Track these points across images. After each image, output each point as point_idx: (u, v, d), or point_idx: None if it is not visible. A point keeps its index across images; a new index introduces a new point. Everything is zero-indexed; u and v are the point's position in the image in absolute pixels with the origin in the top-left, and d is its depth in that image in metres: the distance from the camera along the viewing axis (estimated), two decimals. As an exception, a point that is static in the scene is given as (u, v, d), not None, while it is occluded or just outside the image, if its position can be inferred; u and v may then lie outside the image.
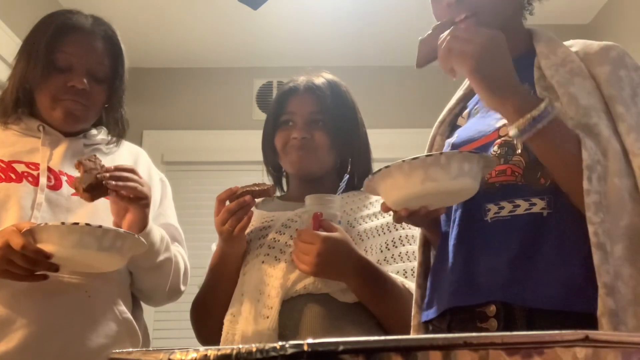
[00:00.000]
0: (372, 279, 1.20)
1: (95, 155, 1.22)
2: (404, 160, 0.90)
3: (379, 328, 1.22)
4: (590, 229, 0.84)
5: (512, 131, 0.88)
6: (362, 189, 1.43)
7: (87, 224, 1.07)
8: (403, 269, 1.28)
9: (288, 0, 2.84)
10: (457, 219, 1.03)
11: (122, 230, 1.13)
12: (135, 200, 1.20)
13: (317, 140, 1.34)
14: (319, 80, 1.39)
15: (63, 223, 1.08)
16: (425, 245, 1.16)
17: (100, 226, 1.08)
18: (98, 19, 1.38)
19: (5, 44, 2.29)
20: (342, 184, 1.26)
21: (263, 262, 1.25)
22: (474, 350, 0.43)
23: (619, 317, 0.80)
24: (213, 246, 1.43)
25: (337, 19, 3.02)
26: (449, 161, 0.89)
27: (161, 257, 1.31)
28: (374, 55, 3.32)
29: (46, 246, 1.08)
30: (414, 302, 1.12)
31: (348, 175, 1.28)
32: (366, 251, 1.26)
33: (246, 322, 1.18)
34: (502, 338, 0.43)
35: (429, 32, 1.01)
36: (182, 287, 1.41)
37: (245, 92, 3.41)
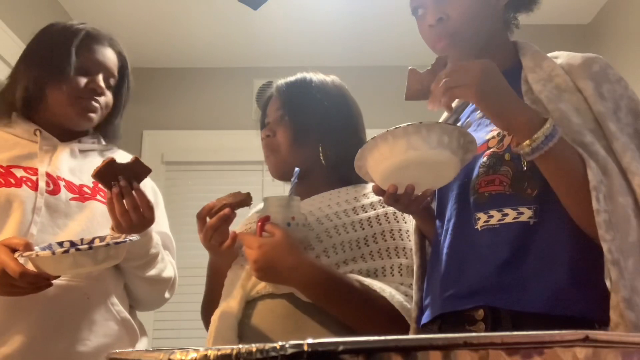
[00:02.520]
0: (318, 281, 1.16)
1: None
2: (387, 130, 0.95)
3: (343, 327, 1.18)
4: (604, 247, 0.87)
5: (525, 149, 0.91)
6: (363, 183, 1.41)
7: (77, 248, 1.06)
8: (382, 267, 1.24)
9: (288, 0, 2.84)
10: (450, 228, 1.07)
11: (112, 242, 1.11)
12: (123, 227, 1.20)
13: (279, 137, 1.35)
14: (286, 79, 1.44)
15: (53, 253, 1.06)
16: (422, 249, 1.18)
17: (90, 247, 1.07)
18: (113, 38, 1.44)
19: (5, 44, 2.30)
20: (294, 180, 1.24)
21: (237, 262, 1.28)
22: (474, 350, 0.43)
23: (638, 329, 0.84)
24: None
25: (337, 19, 3.02)
26: (429, 131, 0.94)
27: (153, 271, 1.34)
28: (374, 55, 3.32)
29: (43, 271, 1.08)
30: (414, 303, 1.13)
31: (298, 169, 1.24)
32: (335, 248, 1.22)
33: (217, 321, 1.21)
34: (502, 338, 0.43)
35: (428, 68, 1.06)
36: (167, 295, 1.44)
37: (245, 92, 3.41)
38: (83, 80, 1.33)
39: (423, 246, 1.19)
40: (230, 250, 1.25)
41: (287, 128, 1.35)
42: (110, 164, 1.17)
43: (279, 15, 2.95)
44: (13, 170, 1.26)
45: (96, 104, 1.34)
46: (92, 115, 1.34)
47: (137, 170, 1.20)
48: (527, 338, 0.44)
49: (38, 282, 1.09)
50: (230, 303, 1.20)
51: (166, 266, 1.39)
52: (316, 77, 1.43)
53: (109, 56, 1.39)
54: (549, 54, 1.08)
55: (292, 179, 1.23)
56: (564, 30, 3.12)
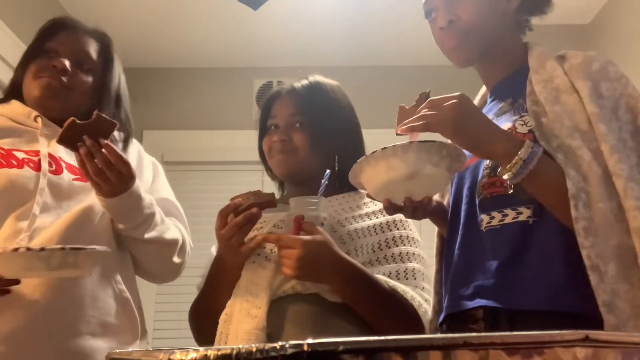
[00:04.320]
0: (355, 280, 1.19)
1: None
2: (366, 155, 1.00)
3: (368, 328, 1.21)
4: (584, 253, 0.89)
5: (506, 175, 0.93)
6: (355, 192, 1.43)
7: (28, 248, 1.04)
8: (395, 270, 1.27)
9: (288, 0, 2.84)
10: (460, 231, 1.09)
11: (68, 247, 1.07)
12: (98, 185, 1.18)
13: (296, 141, 1.34)
14: (301, 82, 1.41)
15: (16, 249, 1.04)
16: (442, 253, 1.21)
17: (42, 248, 1.04)
18: (97, 27, 1.44)
19: (5, 44, 2.29)
20: (324, 181, 1.25)
21: (254, 262, 1.25)
22: (474, 350, 0.43)
23: (620, 331, 0.86)
24: (213, 249, 1.42)
25: (337, 19, 3.02)
26: (405, 151, 0.97)
27: (153, 233, 1.30)
28: (374, 55, 3.32)
29: None
30: (431, 307, 1.18)
31: (329, 171, 1.25)
32: (356, 251, 1.25)
33: (237, 322, 1.19)
34: (502, 338, 0.43)
35: (413, 103, 1.08)
36: (177, 259, 1.38)
37: (245, 92, 3.41)
38: (45, 61, 1.33)
39: (443, 251, 1.20)
40: (250, 251, 1.24)
41: (305, 133, 1.34)
42: (72, 125, 1.14)
43: (279, 15, 2.94)
44: (14, 152, 1.26)
45: (54, 81, 1.31)
46: (52, 88, 1.31)
47: (102, 127, 1.16)
48: (527, 338, 0.44)
49: None
50: (255, 303, 1.18)
51: (168, 228, 1.36)
52: (327, 82, 1.43)
53: (78, 38, 1.38)
54: (558, 53, 1.09)
55: (323, 181, 1.24)
56: (564, 30, 3.12)
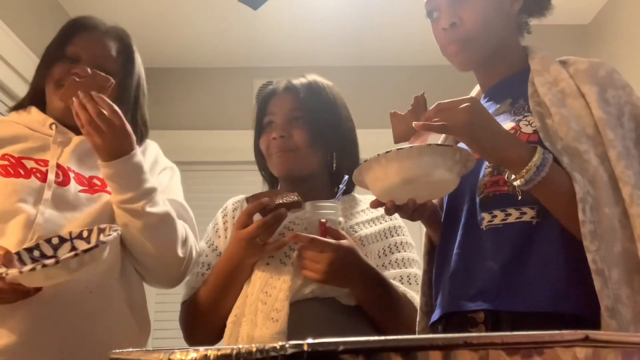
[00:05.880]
0: (375, 284, 1.22)
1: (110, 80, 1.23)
2: (379, 154, 0.96)
3: (376, 330, 1.24)
4: (589, 257, 0.89)
5: (518, 182, 0.92)
6: (352, 193, 1.44)
7: (44, 265, 1.02)
8: (399, 275, 1.30)
9: (288, 0, 2.84)
10: (459, 229, 1.08)
11: (80, 250, 1.04)
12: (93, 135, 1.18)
13: (296, 138, 1.33)
14: (298, 80, 1.41)
15: (21, 272, 1.03)
16: (430, 253, 1.20)
17: (57, 261, 1.02)
18: (116, 25, 1.44)
19: (5, 44, 2.29)
20: (342, 186, 1.25)
21: (268, 264, 1.24)
22: (474, 350, 0.42)
23: None
24: (202, 244, 1.41)
25: (337, 19, 3.02)
26: (420, 154, 0.95)
27: (156, 208, 1.24)
28: (374, 55, 3.32)
29: (19, 284, 1.06)
30: (419, 308, 1.17)
31: (347, 177, 1.25)
32: (366, 256, 1.27)
33: (251, 324, 1.18)
34: (502, 338, 0.43)
35: (409, 109, 1.07)
36: (180, 252, 1.28)
37: (245, 92, 3.41)
38: (66, 67, 1.31)
39: (432, 251, 1.20)
40: (274, 251, 1.23)
41: (305, 130, 1.34)
42: (72, 85, 1.19)
43: (279, 15, 2.94)
44: (24, 161, 1.26)
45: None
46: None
47: (97, 82, 1.21)
48: (527, 338, 0.44)
49: (17, 294, 1.08)
50: (274, 306, 1.17)
51: (173, 214, 1.29)
52: (324, 80, 1.44)
53: (98, 41, 1.37)
54: (559, 59, 1.10)
55: (341, 186, 1.24)
56: (564, 30, 3.12)
